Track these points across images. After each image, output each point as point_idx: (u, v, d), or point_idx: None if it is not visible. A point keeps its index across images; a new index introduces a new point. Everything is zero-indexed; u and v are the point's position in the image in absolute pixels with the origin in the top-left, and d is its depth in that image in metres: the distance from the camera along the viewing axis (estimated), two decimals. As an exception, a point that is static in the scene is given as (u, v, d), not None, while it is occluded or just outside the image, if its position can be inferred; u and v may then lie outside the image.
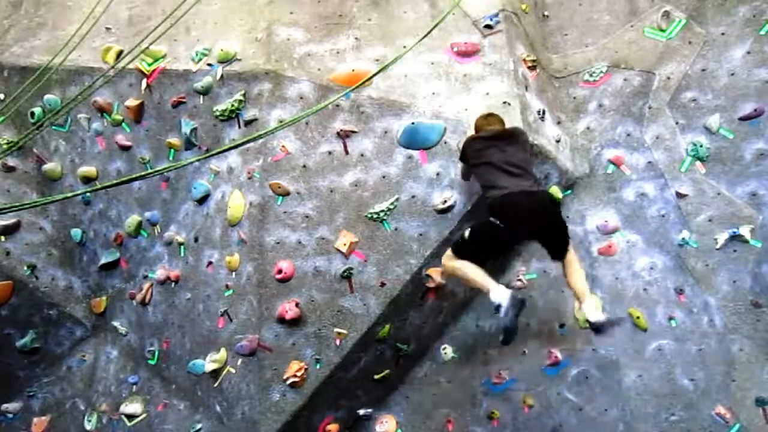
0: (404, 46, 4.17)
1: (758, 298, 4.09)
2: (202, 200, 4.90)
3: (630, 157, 4.53)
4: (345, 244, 4.37)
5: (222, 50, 4.76)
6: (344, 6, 4.75)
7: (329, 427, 4.56)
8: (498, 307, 3.57)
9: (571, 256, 3.86)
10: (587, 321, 3.70)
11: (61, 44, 4.46)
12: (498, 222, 3.67)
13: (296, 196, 4.50)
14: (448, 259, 3.92)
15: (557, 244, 3.87)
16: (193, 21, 4.86)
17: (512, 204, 3.64)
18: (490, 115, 4.01)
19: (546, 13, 4.97)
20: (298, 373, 4.30)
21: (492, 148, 3.79)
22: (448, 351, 4.65)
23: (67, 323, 5.38)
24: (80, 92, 4.25)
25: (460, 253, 3.86)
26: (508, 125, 3.98)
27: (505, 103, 4.23)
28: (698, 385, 4.12)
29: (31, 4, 5.58)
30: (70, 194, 3.02)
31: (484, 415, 4.54)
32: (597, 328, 3.65)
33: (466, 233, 3.85)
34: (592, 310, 3.63)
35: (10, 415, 5.41)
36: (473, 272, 3.77)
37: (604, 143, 4.63)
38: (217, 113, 4.74)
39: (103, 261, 5.36)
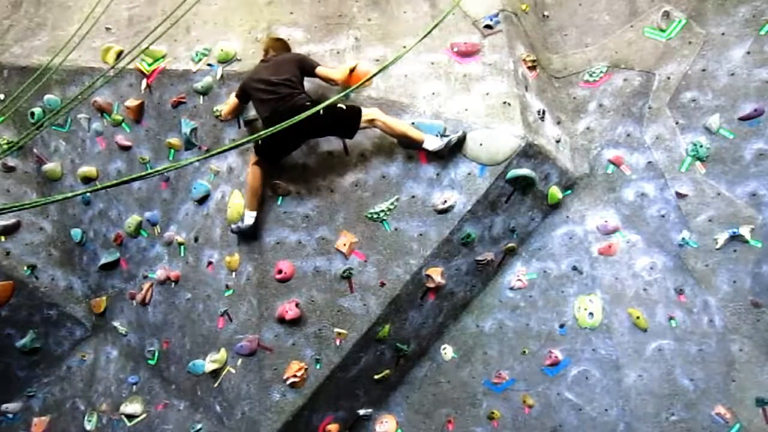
0: (404, 46, 4.17)
1: (758, 298, 4.09)
2: (202, 200, 4.90)
3: (630, 157, 4.53)
4: (345, 244, 4.37)
5: (222, 50, 4.76)
6: (344, 6, 4.75)
7: (329, 427, 4.56)
8: None
9: (379, 120, 4.12)
10: (426, 150, 4.12)
11: (61, 44, 4.46)
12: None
13: (296, 196, 4.50)
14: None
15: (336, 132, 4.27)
16: (193, 21, 4.87)
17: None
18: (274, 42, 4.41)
19: (546, 13, 4.97)
20: (298, 373, 4.31)
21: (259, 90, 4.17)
22: (448, 351, 4.65)
23: (67, 323, 5.38)
24: (80, 92, 4.24)
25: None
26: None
27: (505, 103, 4.23)
28: (698, 385, 4.12)
29: (31, 4, 5.58)
30: (70, 194, 3.01)
31: (484, 415, 4.54)
32: (438, 154, 4.13)
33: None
34: (431, 140, 4.09)
35: (10, 415, 5.41)
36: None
37: (604, 143, 4.63)
38: (217, 113, 4.74)
39: (103, 261, 5.36)
